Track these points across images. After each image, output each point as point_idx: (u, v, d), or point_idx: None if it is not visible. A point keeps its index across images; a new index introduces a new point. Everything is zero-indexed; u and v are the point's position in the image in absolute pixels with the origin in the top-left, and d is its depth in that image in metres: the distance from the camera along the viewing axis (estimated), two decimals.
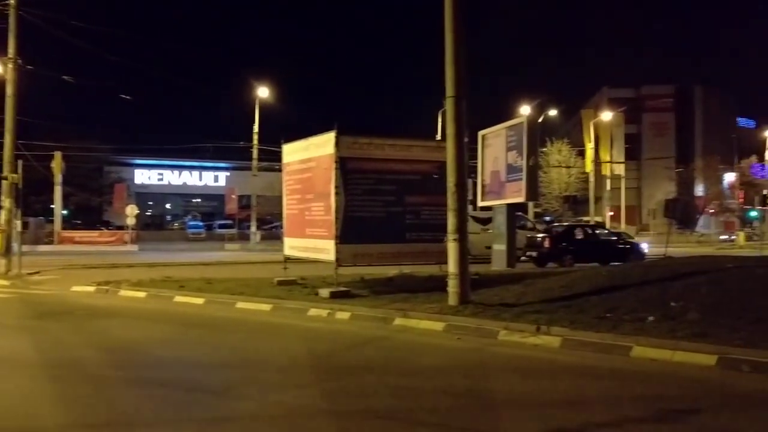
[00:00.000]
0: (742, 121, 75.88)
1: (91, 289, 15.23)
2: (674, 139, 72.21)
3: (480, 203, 21.88)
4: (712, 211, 63.40)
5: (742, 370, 6.87)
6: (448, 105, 11.12)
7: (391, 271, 15.86)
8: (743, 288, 9.50)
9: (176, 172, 75.27)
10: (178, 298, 13.49)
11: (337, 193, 12.65)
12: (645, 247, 28.55)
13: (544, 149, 54.37)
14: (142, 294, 14.24)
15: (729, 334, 7.77)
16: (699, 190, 64.22)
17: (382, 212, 13.35)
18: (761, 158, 58.08)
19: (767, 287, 9.39)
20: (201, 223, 60.33)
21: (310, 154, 14.01)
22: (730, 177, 64.53)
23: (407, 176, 13.73)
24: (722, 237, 53.85)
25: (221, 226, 55.48)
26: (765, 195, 38.80)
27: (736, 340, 7.51)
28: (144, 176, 73.49)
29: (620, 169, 56.62)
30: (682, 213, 27.25)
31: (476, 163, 21.25)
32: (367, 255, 13.45)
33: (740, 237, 46.05)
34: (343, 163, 12.78)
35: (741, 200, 62.20)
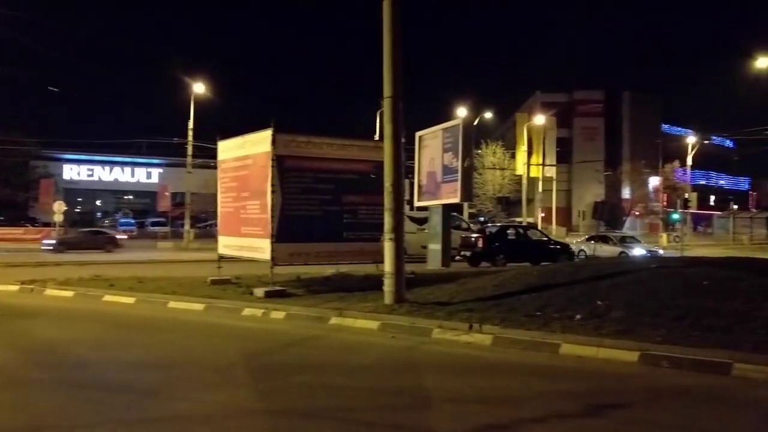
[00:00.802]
0: (666, 127, 79.12)
1: (15, 288, 14.62)
2: (603, 143, 74.60)
3: (416, 203, 22.08)
4: (638, 213, 65.87)
5: (662, 365, 7.19)
6: (386, 105, 11.22)
7: (328, 270, 15.85)
8: (664, 287, 9.93)
9: (107, 168, 73.04)
10: (108, 298, 13.11)
11: (273, 192, 12.55)
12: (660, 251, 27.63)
13: (479, 151, 55.42)
14: (69, 293, 13.77)
15: (650, 331, 8.13)
16: (626, 192, 66.58)
17: (319, 211, 13.33)
18: (683, 163, 60.66)
19: (686, 286, 9.85)
20: (133, 221, 58.73)
21: (246, 152, 13.84)
22: (654, 181, 67.24)
23: (345, 175, 13.74)
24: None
25: (154, 224, 54.19)
26: (686, 198, 40.62)
27: (657, 337, 7.87)
28: (73, 172, 71.00)
29: (552, 172, 58.10)
30: (609, 215, 28.17)
31: (413, 163, 21.45)
32: (303, 254, 13.40)
33: (663, 238, 47.99)
34: (279, 161, 12.70)
35: (665, 203, 64.93)
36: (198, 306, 11.87)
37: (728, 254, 24.77)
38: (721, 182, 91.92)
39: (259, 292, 12.41)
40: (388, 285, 10.89)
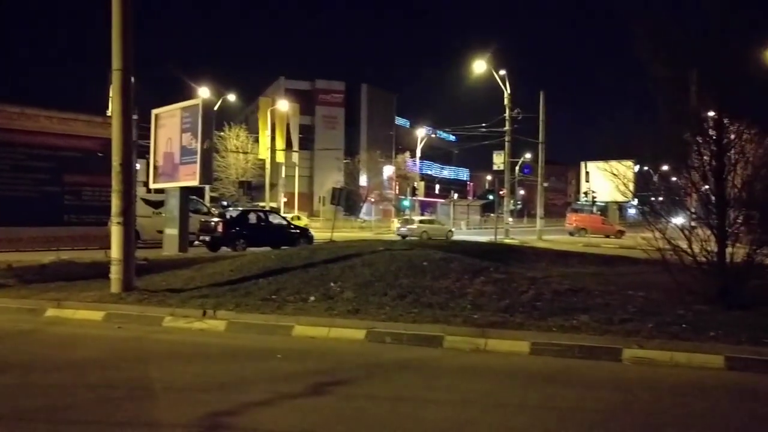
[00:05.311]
0: (399, 120, 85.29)
1: None
2: (343, 133, 78.04)
3: (152, 185, 20.94)
4: (373, 200, 70.10)
5: (386, 341, 7.73)
6: (115, 78, 10.36)
7: (47, 257, 14.30)
8: (390, 268, 10.67)
9: None
10: None
11: None
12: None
13: (221, 133, 54.32)
14: None
15: (377, 310, 8.70)
16: (363, 180, 70.37)
17: (34, 192, 12.02)
18: (413, 154, 65.85)
19: (409, 267, 10.69)
20: None
21: None
22: (388, 170, 72.06)
23: (67, 153, 12.57)
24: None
25: None
26: (415, 187, 44.24)
27: (382, 315, 8.45)
28: None
29: (295, 158, 59.18)
30: (346, 201, 29.54)
31: (149, 142, 20.29)
32: (14, 240, 11.99)
33: (394, 223, 51.63)
34: None
35: (397, 191, 69.99)
36: None
37: None
38: (445, 173, 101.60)
39: None
40: (115, 272, 10.15)
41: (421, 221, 41.24)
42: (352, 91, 79.64)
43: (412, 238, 33.96)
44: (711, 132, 9.58)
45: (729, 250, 9.29)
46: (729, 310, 8.53)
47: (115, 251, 10.19)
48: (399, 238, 33.72)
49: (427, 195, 75.05)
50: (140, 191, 23.95)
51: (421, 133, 63.37)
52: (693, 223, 9.91)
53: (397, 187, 71.22)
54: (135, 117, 10.96)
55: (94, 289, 10.37)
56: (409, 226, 39.31)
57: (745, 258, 9.19)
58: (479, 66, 36.46)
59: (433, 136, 76.54)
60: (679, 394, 5.87)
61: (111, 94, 10.65)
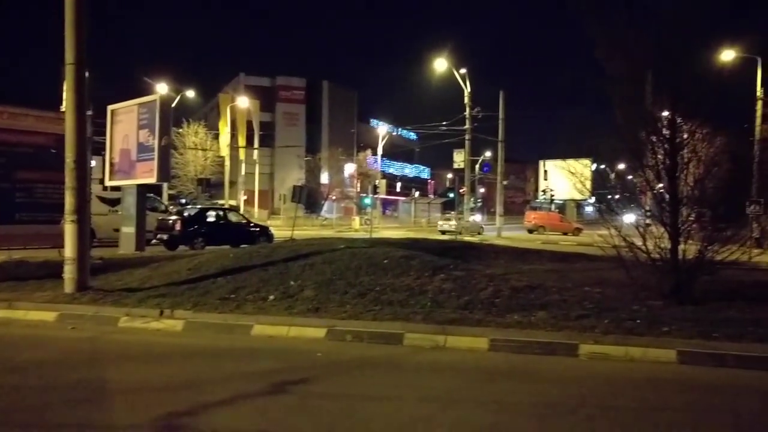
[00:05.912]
0: (361, 118, 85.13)
1: None
2: (304, 130, 77.53)
3: (108, 182, 20.50)
4: (335, 197, 69.82)
5: (347, 339, 7.71)
6: (68, 73, 10.13)
7: None
8: (351, 266, 10.65)
9: None
10: None
11: None
12: None
13: (180, 130, 53.50)
14: None
15: (337, 308, 8.68)
16: (324, 178, 69.99)
17: None
18: (375, 152, 65.84)
19: (369, 265, 10.68)
20: None
21: None
22: (350, 167, 71.87)
23: (18, 149, 12.30)
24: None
25: None
26: (376, 185, 44.21)
27: (342, 313, 8.43)
28: None
29: (255, 155, 58.57)
30: (307, 199, 29.34)
31: (105, 139, 19.87)
32: None
33: (355, 221, 51.57)
34: None
35: (358, 189, 69.86)
36: None
37: (408, 236, 27.55)
38: (406, 171, 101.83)
39: None
40: (69, 272, 9.92)
41: (459, 219, 45.43)
42: (313, 88, 79.08)
43: (451, 232, 39.14)
44: (665, 131, 9.78)
45: (682, 246, 9.50)
46: (681, 306, 8.74)
47: (69, 250, 9.96)
48: (440, 234, 38.11)
49: (388, 193, 75.10)
50: (95, 189, 23.40)
51: (383, 130, 63.34)
52: (647, 221, 10.12)
53: (359, 185, 71.06)
54: (90, 112, 10.72)
55: (46, 289, 10.14)
56: (449, 223, 43.99)
57: (697, 255, 9.42)
58: (440, 64, 36.70)
59: (395, 133, 76.67)
60: (634, 388, 5.99)
61: (64, 89, 10.36)
